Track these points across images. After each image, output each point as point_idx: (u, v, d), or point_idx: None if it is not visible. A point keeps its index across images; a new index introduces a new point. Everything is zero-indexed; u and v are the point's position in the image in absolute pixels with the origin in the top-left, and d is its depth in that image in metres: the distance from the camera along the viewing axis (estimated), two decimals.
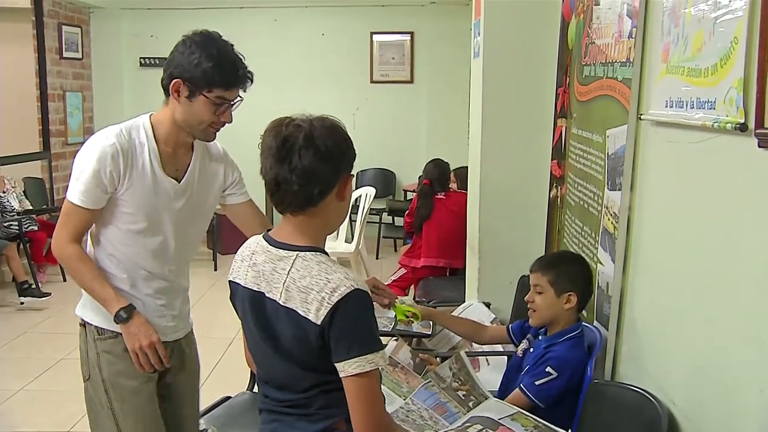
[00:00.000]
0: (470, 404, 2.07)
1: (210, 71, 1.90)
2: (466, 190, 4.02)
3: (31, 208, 6.34)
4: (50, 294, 5.70)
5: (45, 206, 6.83)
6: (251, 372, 2.60)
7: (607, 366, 2.30)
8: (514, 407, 2.05)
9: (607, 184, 2.41)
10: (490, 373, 2.86)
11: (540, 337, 2.30)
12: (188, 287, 2.24)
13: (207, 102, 1.93)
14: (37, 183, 7.00)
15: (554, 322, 2.25)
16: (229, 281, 1.69)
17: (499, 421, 1.93)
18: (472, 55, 3.82)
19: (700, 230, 1.75)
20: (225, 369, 4.00)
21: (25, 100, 7.04)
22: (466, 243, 3.94)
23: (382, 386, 1.80)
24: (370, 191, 6.31)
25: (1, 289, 6.16)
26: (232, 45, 1.98)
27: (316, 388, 1.57)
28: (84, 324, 2.11)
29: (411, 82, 8.05)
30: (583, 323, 2.36)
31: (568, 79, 3.15)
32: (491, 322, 3.22)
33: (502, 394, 2.26)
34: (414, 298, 4.05)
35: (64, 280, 6.21)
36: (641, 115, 2.10)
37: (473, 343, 2.88)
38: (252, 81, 1.99)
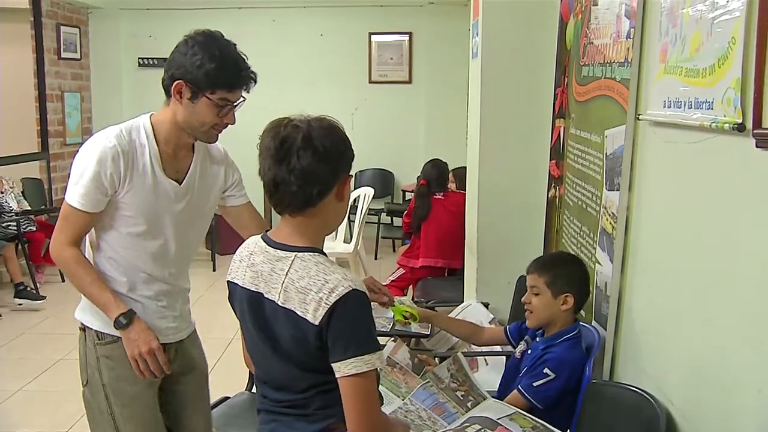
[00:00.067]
0: (468, 404, 2.07)
1: (213, 73, 1.87)
2: (465, 190, 4.02)
3: (29, 208, 6.33)
4: (45, 297, 5.67)
5: (43, 207, 6.82)
6: (250, 372, 2.60)
7: (605, 366, 2.30)
8: (513, 407, 2.05)
9: (606, 184, 2.41)
10: (488, 374, 2.87)
11: (537, 339, 2.30)
12: (189, 288, 2.21)
13: (210, 104, 1.90)
14: (36, 183, 6.99)
15: (551, 323, 2.25)
16: (228, 282, 1.69)
17: (498, 421, 1.93)
18: (471, 56, 3.82)
19: (698, 230, 1.75)
20: (223, 369, 4.00)
21: (23, 100, 7.04)
22: (465, 243, 3.94)
23: (381, 386, 1.80)
24: (369, 191, 6.30)
25: (0, 290, 6.15)
26: (235, 45, 1.94)
27: (314, 389, 1.57)
28: (83, 328, 2.07)
29: (409, 82, 8.05)
30: (582, 323, 2.36)
31: (566, 79, 3.15)
32: (490, 323, 3.22)
33: (500, 395, 2.26)
34: (412, 299, 4.06)
35: (63, 280, 6.20)
36: (639, 115, 2.11)
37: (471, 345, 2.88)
38: (255, 81, 1.95)
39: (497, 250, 3.55)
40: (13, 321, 5.34)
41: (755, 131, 1.40)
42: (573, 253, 2.81)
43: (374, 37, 8.00)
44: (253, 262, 1.62)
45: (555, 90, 3.34)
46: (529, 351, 2.30)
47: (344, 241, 6.20)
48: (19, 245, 5.94)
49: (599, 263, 2.46)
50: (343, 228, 6.19)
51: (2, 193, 6.06)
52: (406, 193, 7.72)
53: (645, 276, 2.11)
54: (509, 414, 1.99)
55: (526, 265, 2.38)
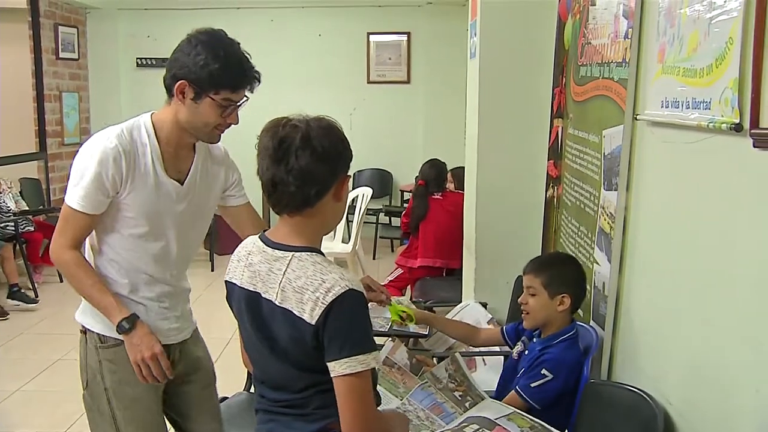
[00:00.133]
0: (467, 405, 2.07)
1: (217, 73, 1.83)
2: (464, 189, 4.02)
3: (27, 208, 6.33)
4: (38, 300, 5.65)
5: (41, 207, 6.82)
6: (248, 372, 2.59)
7: (603, 366, 2.31)
8: (511, 407, 2.06)
9: (604, 184, 2.41)
10: (486, 373, 2.87)
11: (534, 339, 2.30)
12: (190, 289, 2.19)
13: (213, 104, 1.87)
14: (34, 183, 6.99)
15: (548, 323, 2.25)
16: (226, 281, 1.69)
17: (496, 421, 1.93)
18: (469, 56, 3.82)
19: (696, 230, 1.75)
20: (222, 369, 3.95)
21: (21, 100, 7.03)
22: (463, 243, 3.94)
23: (379, 386, 1.80)
24: (367, 192, 6.31)
25: (1, 290, 6.15)
26: (239, 43, 1.91)
27: (312, 389, 1.57)
28: (84, 330, 2.04)
29: (408, 82, 8.05)
30: (580, 323, 2.36)
31: (564, 79, 3.15)
32: (488, 323, 3.22)
33: (498, 396, 2.26)
34: (410, 299, 4.05)
35: (61, 281, 6.18)
36: (637, 115, 2.11)
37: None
38: (259, 81, 1.91)
39: (495, 250, 3.55)
40: (12, 321, 5.33)
41: (752, 131, 1.40)
42: (571, 253, 2.81)
43: (372, 37, 8.00)
44: (250, 262, 1.62)
45: (553, 90, 3.34)
46: (527, 352, 2.30)
47: (342, 241, 6.20)
48: (17, 245, 5.93)
49: (597, 263, 2.46)
50: (341, 228, 6.20)
51: (0, 193, 6.06)
52: (405, 193, 7.72)
53: (643, 276, 2.12)
54: (507, 414, 1.99)
55: (524, 265, 2.38)
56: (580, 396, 2.17)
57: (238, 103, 1.91)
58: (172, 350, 2.07)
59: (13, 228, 5.87)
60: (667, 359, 1.93)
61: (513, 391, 2.17)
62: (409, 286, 4.78)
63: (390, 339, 2.56)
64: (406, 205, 6.33)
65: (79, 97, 7.87)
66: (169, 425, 2.19)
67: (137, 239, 1.98)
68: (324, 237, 1.69)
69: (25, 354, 4.67)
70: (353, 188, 6.82)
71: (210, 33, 1.89)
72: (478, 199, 3.56)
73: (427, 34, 7.88)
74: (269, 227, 1.70)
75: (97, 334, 2.01)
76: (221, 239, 6.53)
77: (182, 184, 2.01)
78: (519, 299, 2.32)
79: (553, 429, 1.96)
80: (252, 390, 2.65)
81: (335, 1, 7.77)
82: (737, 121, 1.46)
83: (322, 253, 1.58)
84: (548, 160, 3.39)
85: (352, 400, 1.47)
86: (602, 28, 2.53)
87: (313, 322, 1.47)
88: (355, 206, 6.18)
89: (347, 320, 1.48)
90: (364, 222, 6.36)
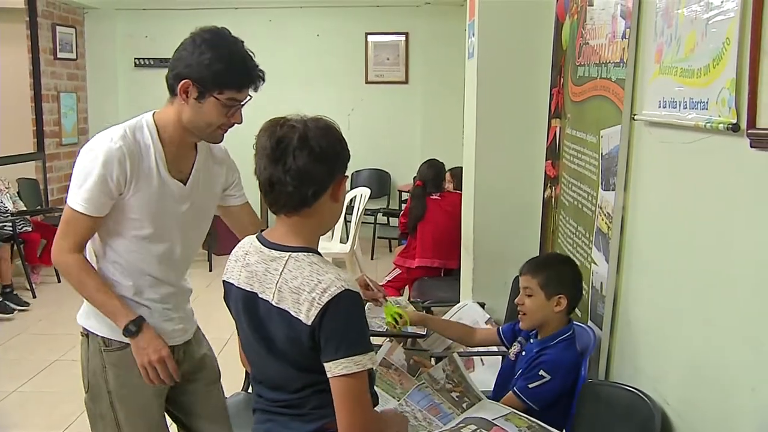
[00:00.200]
0: (464, 405, 2.07)
1: (222, 73, 1.81)
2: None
3: (25, 209, 6.32)
4: (29, 304, 5.60)
5: (39, 207, 6.82)
6: (246, 372, 2.59)
7: (601, 366, 2.31)
8: (508, 408, 2.06)
9: (601, 184, 2.42)
10: (484, 374, 2.87)
11: (531, 340, 2.29)
12: (191, 289, 2.17)
13: (217, 104, 1.84)
14: (31, 184, 6.99)
15: (545, 324, 2.25)
16: (223, 281, 1.69)
17: (493, 421, 1.93)
18: (467, 56, 3.82)
19: (693, 230, 1.76)
20: (220, 369, 4.00)
21: (19, 100, 7.02)
22: (461, 243, 3.94)
23: (376, 388, 1.80)
24: (365, 192, 6.30)
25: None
26: (243, 42, 1.88)
27: (309, 389, 1.57)
28: (87, 334, 2.01)
29: (406, 82, 8.05)
30: (577, 323, 2.36)
31: (562, 79, 3.15)
32: (486, 323, 3.22)
33: (495, 397, 2.25)
34: (409, 299, 4.05)
35: (59, 281, 6.19)
36: (635, 115, 2.11)
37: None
38: (264, 80, 1.89)
39: (493, 250, 3.55)
40: (9, 322, 5.32)
41: (749, 131, 1.40)
42: (569, 253, 2.81)
43: (371, 38, 8.00)
44: (248, 262, 1.62)
45: (551, 90, 3.34)
46: (524, 353, 2.29)
47: (341, 241, 6.20)
48: (14, 246, 5.92)
49: (595, 263, 2.46)
50: (339, 228, 6.19)
51: None
52: (403, 193, 7.72)
53: (640, 276, 2.12)
54: (504, 414, 1.99)
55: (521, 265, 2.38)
56: (577, 396, 2.17)
57: (242, 103, 1.89)
58: (176, 351, 2.05)
59: (11, 228, 5.86)
60: (664, 359, 1.93)
61: (511, 392, 2.17)
62: (407, 287, 4.78)
63: (387, 340, 2.55)
64: (404, 205, 6.33)
65: (77, 97, 7.87)
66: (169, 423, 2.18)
67: (141, 241, 1.95)
68: (322, 237, 1.69)
69: (23, 354, 4.67)
70: (351, 188, 6.82)
71: (214, 32, 1.87)
72: (476, 199, 3.56)
73: (425, 35, 7.88)
74: (267, 227, 1.70)
75: (101, 337, 1.98)
76: (220, 239, 6.51)
77: (185, 184, 1.99)
78: (516, 300, 2.31)
79: (551, 429, 1.97)
80: (250, 390, 2.65)
81: (333, 2, 7.77)
82: (734, 121, 1.46)
83: (319, 254, 1.58)
84: (546, 160, 3.39)
85: (349, 400, 1.47)
86: (600, 29, 2.53)
87: (309, 323, 1.47)
88: (353, 206, 6.18)
89: (343, 321, 1.48)
90: (362, 222, 6.36)
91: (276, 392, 1.63)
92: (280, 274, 1.53)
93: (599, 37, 2.52)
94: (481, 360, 3.06)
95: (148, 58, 7.85)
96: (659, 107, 1.91)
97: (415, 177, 5.07)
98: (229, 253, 1.72)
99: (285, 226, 1.59)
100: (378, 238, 7.46)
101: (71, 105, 7.73)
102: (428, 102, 7.92)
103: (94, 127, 7.97)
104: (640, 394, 1.93)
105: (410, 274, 4.72)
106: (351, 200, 6.22)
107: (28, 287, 5.89)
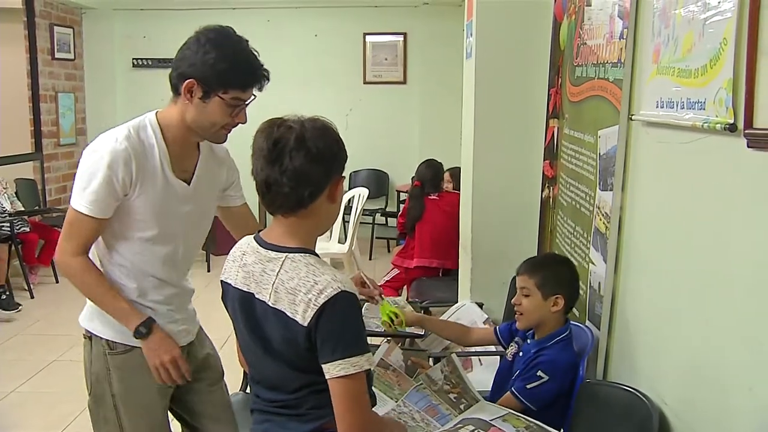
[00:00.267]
0: (462, 406, 2.07)
1: (226, 72, 1.80)
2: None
3: (23, 209, 6.31)
4: (21, 305, 5.52)
5: (37, 207, 6.80)
6: (244, 372, 2.59)
7: (598, 366, 2.31)
8: (506, 408, 2.06)
9: (599, 184, 2.42)
10: (482, 373, 2.87)
11: (528, 341, 2.29)
12: (194, 290, 2.16)
13: (222, 103, 1.82)
14: (29, 184, 6.97)
15: (542, 324, 2.24)
16: (221, 281, 1.69)
17: (491, 422, 1.93)
18: (465, 56, 3.82)
19: (691, 230, 1.76)
20: None
21: (16, 100, 7.01)
22: (459, 243, 3.94)
23: (374, 388, 1.80)
24: (363, 192, 6.31)
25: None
26: (247, 41, 1.87)
27: (306, 389, 1.57)
28: (90, 336, 1.99)
29: (404, 82, 8.05)
30: (574, 323, 2.36)
31: (560, 79, 3.15)
32: (484, 323, 3.22)
33: (493, 397, 2.25)
34: (407, 299, 4.05)
35: (57, 281, 6.19)
36: (632, 115, 2.11)
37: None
38: (268, 79, 1.88)
39: (491, 250, 3.55)
40: (7, 322, 5.32)
41: (746, 131, 1.40)
42: (567, 253, 2.81)
43: (369, 38, 8.00)
44: (245, 263, 1.62)
45: (549, 90, 3.34)
46: (521, 353, 2.29)
47: (339, 242, 6.20)
48: (12, 246, 5.91)
49: (593, 263, 2.46)
50: (337, 228, 6.19)
51: None
52: (401, 193, 7.72)
53: (638, 276, 2.12)
54: (502, 415, 1.99)
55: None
56: (575, 396, 2.17)
57: (246, 102, 1.88)
58: (181, 352, 2.03)
59: (9, 229, 5.85)
60: (662, 359, 1.93)
61: (508, 392, 2.17)
62: (405, 287, 4.78)
63: (385, 340, 2.55)
64: (402, 205, 6.33)
65: (75, 97, 7.86)
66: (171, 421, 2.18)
67: (146, 242, 1.94)
68: (320, 237, 1.69)
69: (21, 355, 4.66)
70: (349, 188, 6.82)
71: (219, 31, 1.85)
72: (474, 200, 3.57)
73: (423, 35, 7.88)
74: (266, 227, 1.70)
75: (106, 340, 1.97)
76: (218, 240, 6.49)
77: (188, 184, 1.98)
78: (512, 300, 2.31)
79: (549, 429, 1.97)
80: (248, 390, 2.65)
81: (332, 2, 7.77)
82: (731, 121, 1.46)
83: (316, 254, 1.58)
84: (544, 160, 3.39)
85: (347, 401, 1.47)
86: (597, 29, 2.53)
87: (306, 324, 1.47)
88: (351, 207, 6.18)
89: (339, 322, 1.47)
90: (361, 222, 6.36)
91: (273, 392, 1.63)
92: (277, 274, 1.53)
93: (597, 37, 2.53)
94: (479, 360, 3.06)
95: (146, 59, 7.84)
96: (657, 107, 1.91)
97: (413, 177, 5.07)
98: (228, 254, 1.71)
99: (282, 227, 1.59)
100: (376, 238, 7.46)
101: (69, 105, 7.73)
102: (426, 102, 7.92)
103: (92, 127, 7.96)
104: (637, 394, 1.93)
105: (408, 274, 4.72)
106: (349, 200, 6.22)
107: (26, 288, 5.88)
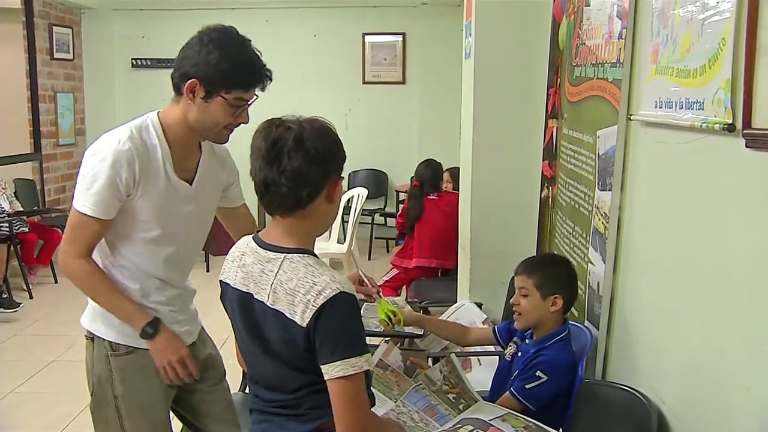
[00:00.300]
0: (461, 407, 2.07)
1: (229, 72, 1.79)
2: None
3: (21, 209, 6.30)
4: (22, 303, 5.52)
5: (36, 208, 6.80)
6: (243, 372, 2.59)
7: (597, 366, 2.31)
8: (505, 408, 2.06)
9: (598, 184, 2.42)
10: (481, 373, 2.87)
11: (527, 341, 2.29)
12: (195, 290, 2.16)
13: (225, 103, 1.82)
14: (28, 184, 6.97)
15: (540, 324, 2.24)
16: (220, 281, 1.69)
17: (490, 422, 1.93)
18: (464, 56, 3.82)
19: (689, 230, 1.76)
20: None
21: (15, 100, 7.01)
22: (458, 243, 3.94)
23: (373, 389, 1.79)
24: (362, 192, 6.31)
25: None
26: (250, 41, 1.87)
27: (305, 389, 1.57)
28: (92, 337, 1.98)
29: (403, 82, 8.05)
30: (573, 323, 2.36)
31: (559, 79, 3.15)
32: (483, 323, 3.22)
33: (491, 398, 2.25)
34: (406, 299, 4.06)
35: (56, 282, 6.19)
36: (631, 115, 2.11)
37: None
38: (271, 79, 1.87)
39: (490, 250, 3.55)
40: (5, 323, 5.31)
41: (745, 131, 1.40)
42: (566, 253, 2.82)
43: (368, 38, 8.00)
44: (244, 263, 1.62)
45: (548, 90, 3.34)
46: (519, 354, 2.29)
47: (338, 242, 6.20)
48: (11, 246, 5.91)
49: (592, 263, 2.46)
50: (336, 228, 6.19)
51: None
52: (400, 193, 7.73)
53: (637, 276, 2.12)
54: (501, 415, 1.99)
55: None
56: (574, 396, 2.17)
57: (249, 102, 1.87)
58: None
59: (8, 229, 5.85)
60: (661, 359, 1.93)
61: (508, 392, 2.17)
62: (404, 287, 4.78)
63: (384, 341, 2.55)
64: (401, 205, 6.33)
65: (74, 97, 7.86)
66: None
67: (149, 243, 1.93)
68: (319, 237, 1.68)
69: (20, 355, 4.66)
70: (348, 189, 6.82)
71: (221, 30, 1.85)
72: (473, 200, 3.56)
73: (422, 35, 7.88)
74: (265, 226, 1.69)
75: (108, 341, 1.96)
76: (217, 240, 6.49)
77: (190, 185, 1.97)
78: (511, 300, 2.31)
79: (548, 429, 1.97)
80: (247, 391, 2.65)
81: (330, 2, 7.77)
82: (730, 121, 1.46)
83: (315, 255, 1.58)
84: (543, 160, 3.39)
85: (346, 402, 1.47)
86: (596, 29, 2.53)
87: (304, 325, 1.47)
88: (350, 207, 6.18)
89: (338, 323, 1.47)
90: (360, 222, 6.36)
91: (272, 392, 1.63)
92: (275, 275, 1.53)
93: (596, 37, 2.53)
94: (479, 360, 3.06)
95: (145, 59, 7.84)
96: (655, 107, 1.91)
97: (412, 177, 5.08)
98: (227, 254, 1.71)
99: (280, 227, 1.59)
100: (375, 238, 7.47)
101: (68, 105, 7.72)
102: (425, 102, 7.92)
103: (91, 127, 7.96)
104: (636, 393, 1.94)
105: (408, 274, 4.72)
106: (348, 201, 6.22)
107: (25, 288, 5.88)
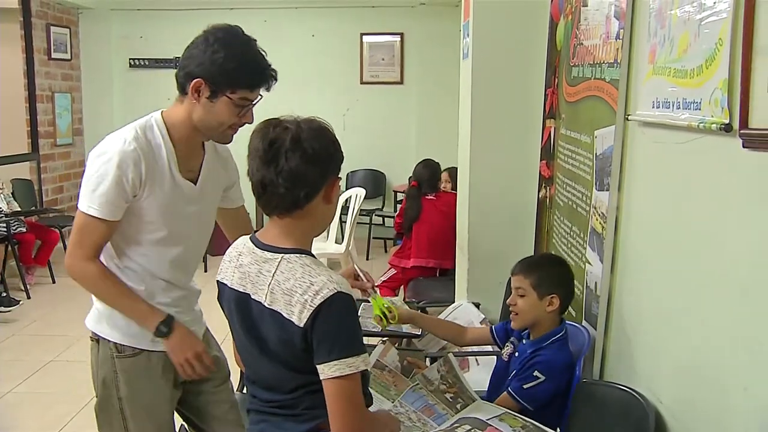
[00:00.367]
0: (458, 406, 2.07)
1: (235, 72, 1.79)
2: None
3: (19, 209, 6.30)
4: (21, 301, 5.51)
5: (33, 208, 6.79)
6: (241, 373, 2.58)
7: (595, 365, 2.31)
8: (502, 408, 2.06)
9: (595, 184, 2.42)
10: (479, 373, 2.87)
11: (524, 341, 2.29)
12: (200, 291, 2.15)
13: (230, 103, 1.81)
14: (26, 184, 6.96)
15: (537, 324, 2.24)
16: (217, 281, 1.69)
17: (487, 421, 1.93)
18: (462, 56, 3.82)
19: (686, 230, 1.76)
20: None
21: (13, 101, 7.00)
22: (456, 243, 3.94)
23: (370, 389, 1.80)
24: (360, 192, 6.31)
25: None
26: (255, 41, 1.86)
27: (302, 389, 1.57)
28: (97, 339, 1.97)
29: (401, 83, 8.05)
30: (570, 323, 2.36)
31: (556, 79, 3.16)
32: (481, 323, 3.22)
33: (489, 398, 2.25)
34: (404, 299, 4.06)
35: (53, 282, 6.18)
36: (628, 115, 2.11)
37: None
38: (276, 79, 1.86)
39: (488, 250, 3.55)
40: (3, 323, 5.31)
41: (742, 131, 1.40)
42: (563, 253, 2.82)
43: (366, 38, 8.00)
44: (241, 263, 1.62)
45: (545, 90, 3.35)
46: (517, 354, 2.29)
47: (336, 242, 6.20)
48: (8, 246, 5.90)
49: (589, 263, 2.46)
50: (334, 228, 6.19)
51: None
52: (398, 193, 7.73)
53: (635, 275, 2.12)
54: (499, 414, 1.99)
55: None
56: (572, 396, 2.17)
57: (254, 102, 1.86)
58: None
59: (5, 229, 5.84)
60: (658, 359, 1.93)
61: (505, 392, 2.17)
62: (402, 287, 4.78)
63: (381, 341, 2.55)
64: (399, 206, 6.34)
65: (72, 97, 7.85)
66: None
67: (155, 245, 1.92)
68: (317, 237, 1.68)
69: (17, 355, 4.65)
70: (346, 189, 6.82)
71: (227, 30, 1.84)
72: (471, 200, 3.57)
73: (420, 35, 7.88)
74: (263, 226, 1.69)
75: (113, 343, 1.95)
76: (215, 240, 6.50)
77: (195, 184, 1.96)
78: (508, 300, 2.31)
79: (545, 428, 1.97)
80: (245, 391, 2.65)
81: (328, 2, 7.77)
82: (727, 121, 1.46)
83: (312, 255, 1.58)
84: (541, 160, 3.40)
85: (342, 402, 1.47)
86: (594, 29, 2.53)
87: (302, 325, 1.47)
88: (348, 207, 6.17)
89: (335, 323, 1.47)
90: (358, 223, 6.36)
91: (269, 392, 1.63)
92: (273, 275, 1.53)
93: (593, 37, 2.53)
94: (476, 360, 3.06)
95: (143, 59, 7.83)
96: (653, 107, 1.91)
97: (410, 177, 5.07)
98: (224, 254, 1.71)
99: (277, 228, 1.59)
100: (373, 238, 7.46)
101: (66, 105, 7.72)
102: (423, 102, 7.92)
103: (89, 127, 7.96)
104: (634, 393, 1.94)
105: (405, 274, 4.72)
106: (346, 201, 6.22)
107: (23, 288, 5.87)
